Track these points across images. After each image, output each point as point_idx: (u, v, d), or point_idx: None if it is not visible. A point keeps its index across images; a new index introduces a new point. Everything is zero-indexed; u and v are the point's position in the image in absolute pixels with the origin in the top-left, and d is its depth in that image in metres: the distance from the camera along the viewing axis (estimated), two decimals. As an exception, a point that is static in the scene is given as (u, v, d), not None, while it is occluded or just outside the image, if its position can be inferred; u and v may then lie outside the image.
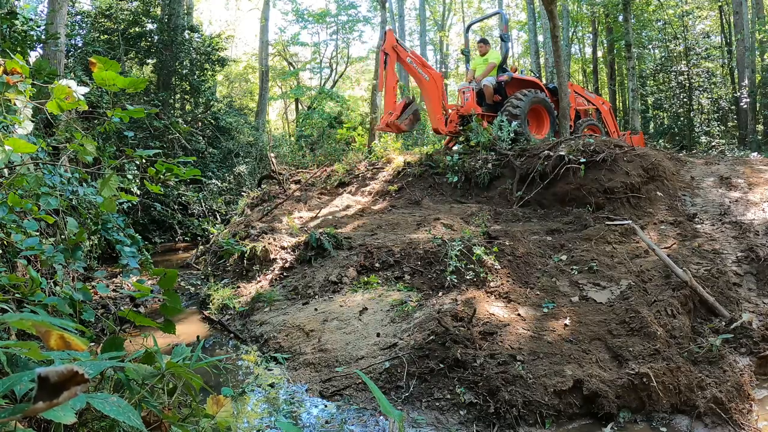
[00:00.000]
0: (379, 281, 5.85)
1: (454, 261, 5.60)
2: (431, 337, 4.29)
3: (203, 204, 13.39)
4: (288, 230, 7.90)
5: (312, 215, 8.93)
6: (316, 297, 5.85)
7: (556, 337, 4.33)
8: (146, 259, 4.69)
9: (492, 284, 5.36)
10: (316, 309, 5.45)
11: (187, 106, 16.73)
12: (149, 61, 15.81)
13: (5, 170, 3.37)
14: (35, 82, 2.90)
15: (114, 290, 6.72)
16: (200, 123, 15.97)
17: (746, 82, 19.15)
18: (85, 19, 14.86)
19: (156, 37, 15.29)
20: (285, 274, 6.64)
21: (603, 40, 25.38)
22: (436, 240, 6.25)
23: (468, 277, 5.47)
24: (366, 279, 5.92)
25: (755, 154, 12.81)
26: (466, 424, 3.57)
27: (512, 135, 9.33)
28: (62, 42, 10.00)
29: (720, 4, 23.17)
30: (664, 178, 7.68)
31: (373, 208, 8.94)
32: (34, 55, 9.44)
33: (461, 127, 10.03)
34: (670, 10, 22.60)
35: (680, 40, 22.33)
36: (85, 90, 2.65)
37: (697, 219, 6.81)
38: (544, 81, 14.69)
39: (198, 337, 5.51)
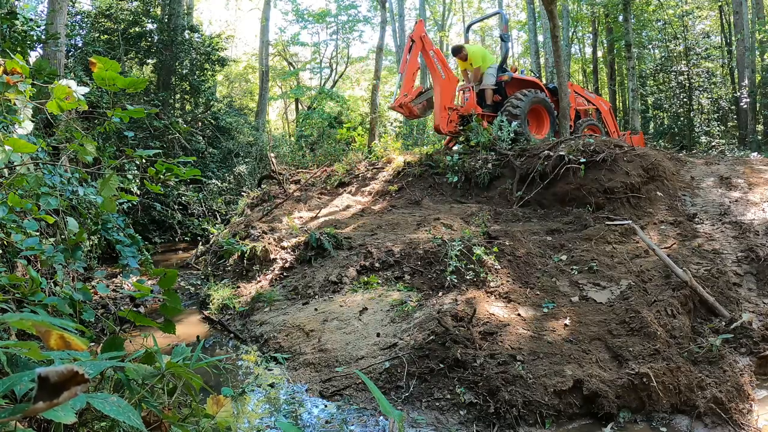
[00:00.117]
0: (379, 281, 5.85)
1: (454, 261, 5.60)
2: (431, 337, 4.29)
3: (203, 204, 13.38)
4: (288, 230, 7.90)
5: (312, 215, 8.93)
6: (316, 297, 5.85)
7: (556, 337, 4.33)
8: (146, 259, 4.69)
9: (492, 284, 5.36)
10: (316, 309, 5.45)
11: (187, 106, 16.73)
12: (149, 61, 15.81)
13: (5, 170, 3.37)
14: (35, 82, 2.90)
15: (114, 290, 6.72)
16: (200, 123, 15.97)
17: (746, 82, 19.14)
18: (85, 19, 14.86)
19: (156, 37, 15.29)
20: (285, 274, 6.64)
21: (603, 40, 25.37)
22: (436, 240, 6.25)
23: (468, 277, 5.47)
24: (366, 279, 5.92)
25: (755, 154, 12.81)
26: (466, 424, 3.57)
27: (512, 135, 9.35)
28: (62, 42, 10.00)
29: (720, 4, 23.17)
30: (664, 178, 7.68)
31: (373, 208, 8.94)
32: (34, 55, 9.44)
33: (461, 128, 10.04)
34: (670, 10, 22.60)
35: (680, 40, 22.32)
36: (85, 90, 2.65)
37: (697, 219, 6.81)
38: (544, 81, 14.70)
39: (198, 337, 5.51)
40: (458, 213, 7.90)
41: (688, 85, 21.07)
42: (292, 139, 23.64)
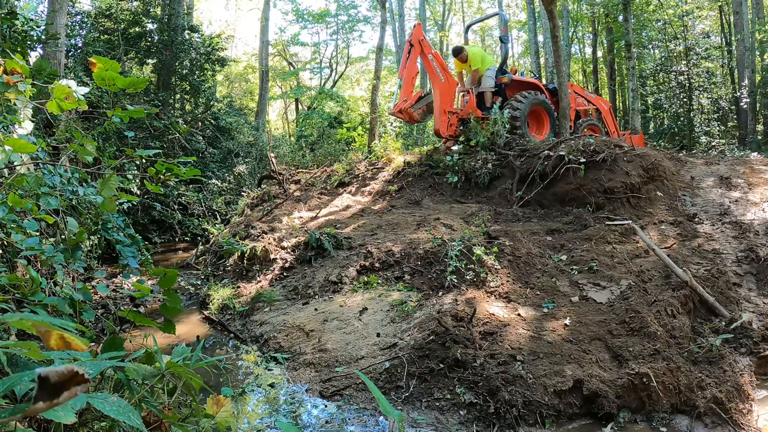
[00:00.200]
0: (379, 281, 5.85)
1: (454, 261, 5.60)
2: (431, 337, 4.29)
3: (203, 204, 13.38)
4: (288, 230, 7.90)
5: (312, 215, 8.93)
6: (316, 297, 5.85)
7: (556, 337, 4.33)
8: (146, 259, 4.69)
9: (492, 284, 5.36)
10: (316, 309, 5.45)
11: (187, 106, 16.73)
12: (149, 61, 15.81)
13: (5, 170, 3.37)
14: (35, 82, 2.90)
15: (114, 290, 6.72)
16: (200, 123, 15.97)
17: (746, 82, 19.14)
18: (85, 19, 14.85)
19: (156, 37, 15.29)
20: (285, 274, 6.64)
21: (603, 40, 25.37)
22: (436, 240, 6.25)
23: (468, 277, 5.47)
24: (366, 279, 5.92)
25: (755, 154, 12.81)
26: (466, 424, 3.57)
27: (507, 126, 9.32)
28: (62, 42, 10.00)
29: (720, 4, 23.17)
30: (664, 178, 7.68)
31: (373, 208, 8.94)
32: (34, 55, 9.45)
33: (461, 129, 10.05)
34: (670, 10, 22.59)
35: (680, 40, 22.32)
36: (85, 90, 2.65)
37: (697, 219, 6.81)
38: (544, 81, 14.70)
39: (198, 337, 5.51)
40: (458, 213, 7.90)
41: (688, 85, 21.07)
42: (292, 139, 23.64)
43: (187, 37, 15.78)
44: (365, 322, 5.00)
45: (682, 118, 21.12)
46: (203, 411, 2.33)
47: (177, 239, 12.30)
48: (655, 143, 18.34)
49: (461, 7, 35.33)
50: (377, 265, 6.13)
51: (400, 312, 5.05)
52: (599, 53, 26.41)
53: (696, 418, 3.53)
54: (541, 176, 8.04)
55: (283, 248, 7.14)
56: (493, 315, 4.69)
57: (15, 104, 2.78)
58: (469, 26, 13.53)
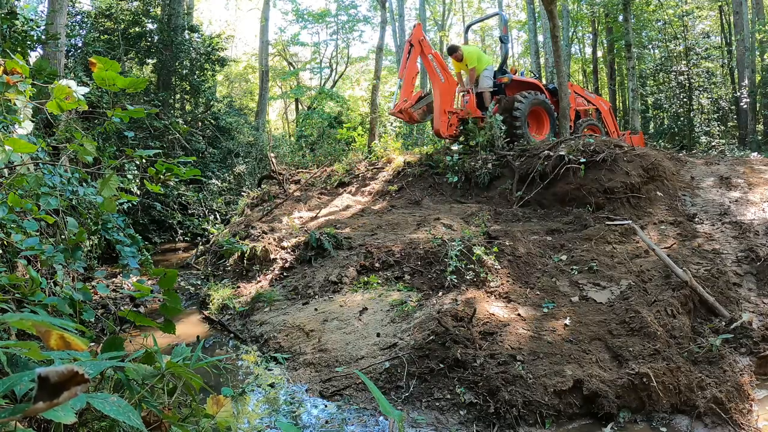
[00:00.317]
0: (379, 281, 5.85)
1: (454, 261, 5.60)
2: (431, 337, 4.29)
3: (203, 204, 13.38)
4: (288, 230, 7.90)
5: (312, 215, 8.93)
6: (316, 297, 5.85)
7: (556, 337, 4.33)
8: (146, 259, 4.69)
9: (492, 284, 5.36)
10: (316, 309, 5.45)
11: (187, 106, 16.73)
12: (149, 61, 15.81)
13: (5, 170, 3.37)
14: (35, 82, 2.90)
15: (114, 290, 6.72)
16: (200, 123, 15.97)
17: (746, 82, 19.15)
18: (85, 19, 14.85)
19: (156, 37, 15.29)
20: (285, 274, 6.64)
21: (603, 40, 25.37)
22: (436, 240, 6.25)
23: (468, 277, 5.47)
24: (366, 279, 5.92)
25: (755, 154, 12.81)
26: (466, 424, 3.57)
27: (502, 127, 9.33)
28: (62, 42, 10.00)
29: (720, 4, 23.17)
30: (664, 178, 7.68)
31: (373, 208, 8.94)
32: (34, 56, 9.45)
33: (461, 129, 10.05)
34: (670, 10, 22.59)
35: (680, 40, 22.32)
36: (85, 90, 2.65)
37: (697, 219, 6.81)
38: (544, 81, 14.70)
39: (198, 337, 5.51)
40: (458, 213, 7.91)
41: (688, 85, 21.08)
42: (292, 139, 23.64)
43: (187, 37, 15.77)
44: (365, 322, 5.00)
45: (682, 118, 21.12)
46: (203, 411, 2.33)
47: (177, 239, 12.30)
48: (655, 143, 18.34)
49: (461, 7, 35.34)
50: (377, 265, 6.13)
51: (400, 312, 5.05)
52: (599, 53, 26.42)
53: (696, 418, 3.53)
54: (541, 176, 8.04)
55: (283, 248, 7.14)
56: (493, 315, 4.69)
57: (15, 104, 2.78)
58: (469, 26, 13.53)
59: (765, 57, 21.07)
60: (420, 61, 10.27)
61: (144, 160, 3.11)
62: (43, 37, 8.89)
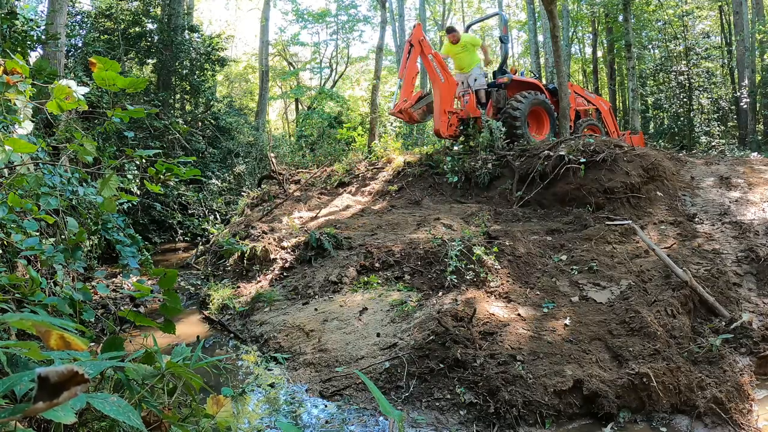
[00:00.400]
0: (379, 281, 5.85)
1: (454, 261, 5.60)
2: (431, 337, 4.29)
3: (203, 204, 13.38)
4: (288, 230, 7.90)
5: (312, 215, 8.93)
6: (316, 297, 5.85)
7: (556, 337, 4.33)
8: (146, 259, 4.69)
9: (492, 284, 5.36)
10: (316, 309, 5.45)
11: (187, 106, 16.73)
12: (149, 61, 15.80)
13: (5, 170, 3.37)
14: (35, 82, 2.90)
15: (114, 290, 6.72)
16: (200, 123, 15.97)
17: (746, 82, 19.14)
18: (85, 19, 14.85)
19: (156, 37, 15.29)
20: (285, 274, 6.64)
21: (603, 40, 25.37)
22: (436, 240, 6.25)
23: (468, 277, 5.47)
24: (366, 279, 5.92)
25: (755, 154, 12.81)
26: (466, 424, 3.57)
27: (502, 131, 9.33)
28: (62, 42, 10.00)
29: (720, 4, 23.17)
30: (664, 178, 7.68)
31: (373, 208, 8.94)
32: (34, 56, 9.45)
33: (461, 129, 10.05)
34: (670, 10, 22.59)
35: (680, 40, 22.32)
36: (85, 90, 2.65)
37: (697, 219, 6.81)
38: (544, 81, 14.70)
39: (198, 337, 5.51)
40: (458, 213, 7.91)
41: (688, 85, 21.07)
42: (292, 139, 23.65)
43: (187, 37, 15.77)
44: (365, 322, 5.00)
45: (682, 118, 21.12)
46: (203, 411, 2.33)
47: (177, 239, 12.30)
48: (655, 143, 18.34)
49: (461, 7, 35.35)
50: (377, 265, 6.13)
51: (400, 312, 5.05)
52: (599, 53, 26.42)
53: (696, 418, 3.53)
54: (541, 176, 8.04)
55: (283, 248, 7.14)
56: (493, 315, 4.69)
57: (15, 104, 2.78)
58: (469, 26, 13.53)
59: (765, 57, 21.07)
60: (420, 61, 10.26)
61: (144, 160, 3.11)
62: (43, 37, 8.89)
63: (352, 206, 9.35)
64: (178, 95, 16.38)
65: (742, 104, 19.29)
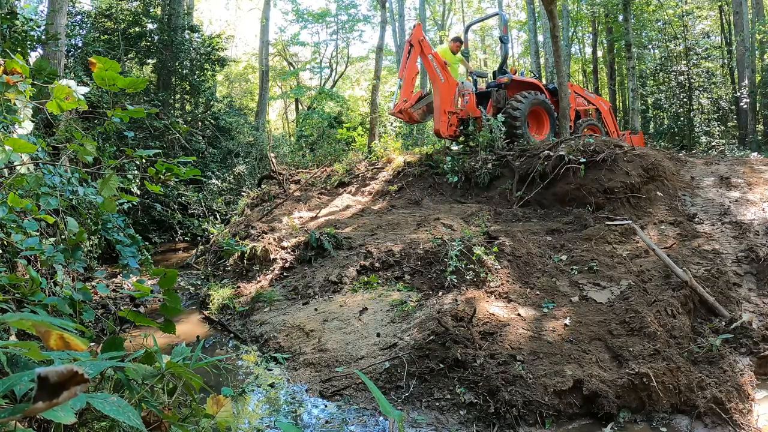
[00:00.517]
0: (379, 281, 5.85)
1: (454, 261, 5.60)
2: (431, 337, 4.29)
3: (203, 204, 13.38)
4: (288, 230, 7.90)
5: (312, 215, 8.93)
6: (316, 297, 5.85)
7: (556, 337, 4.33)
8: (146, 259, 4.69)
9: (492, 284, 5.36)
10: (316, 309, 5.45)
11: (187, 106, 16.73)
12: (149, 61, 15.80)
13: (5, 170, 3.37)
14: (35, 82, 2.90)
15: (114, 290, 6.72)
16: (200, 123, 15.97)
17: (746, 82, 19.14)
18: (86, 19, 14.85)
19: (156, 37, 15.29)
20: (285, 274, 6.64)
21: (603, 40, 25.37)
22: (436, 240, 6.25)
23: (468, 277, 5.47)
24: (366, 279, 5.92)
25: (755, 154, 12.80)
26: (466, 424, 3.57)
27: (503, 130, 9.33)
28: (62, 42, 10.00)
29: (720, 4, 23.17)
30: (664, 178, 7.68)
31: (373, 208, 8.94)
32: (34, 55, 9.44)
33: (461, 129, 10.05)
34: (670, 10, 22.59)
35: (680, 40, 22.32)
36: (85, 90, 2.65)
37: (697, 219, 6.81)
38: (544, 81, 14.70)
39: (198, 337, 5.51)
40: (458, 213, 7.91)
41: (688, 85, 21.07)
42: (292, 139, 23.65)
43: (187, 37, 15.77)
44: (365, 322, 5.00)
45: (682, 118, 21.12)
46: (203, 411, 2.33)
47: (177, 239, 12.30)
48: (655, 143, 18.33)
49: (461, 7, 35.33)
50: (377, 265, 6.13)
51: (400, 312, 5.05)
52: (599, 53, 26.42)
53: (696, 418, 3.53)
54: (541, 176, 8.04)
55: (283, 248, 7.14)
56: (493, 315, 4.69)
57: (15, 104, 2.78)
58: (469, 26, 13.53)
59: (765, 57, 21.07)
60: (420, 61, 10.26)
61: (144, 160, 3.11)
62: (43, 37, 8.89)
63: (352, 206, 9.35)
64: (178, 95, 16.38)
65: (742, 104, 19.29)
